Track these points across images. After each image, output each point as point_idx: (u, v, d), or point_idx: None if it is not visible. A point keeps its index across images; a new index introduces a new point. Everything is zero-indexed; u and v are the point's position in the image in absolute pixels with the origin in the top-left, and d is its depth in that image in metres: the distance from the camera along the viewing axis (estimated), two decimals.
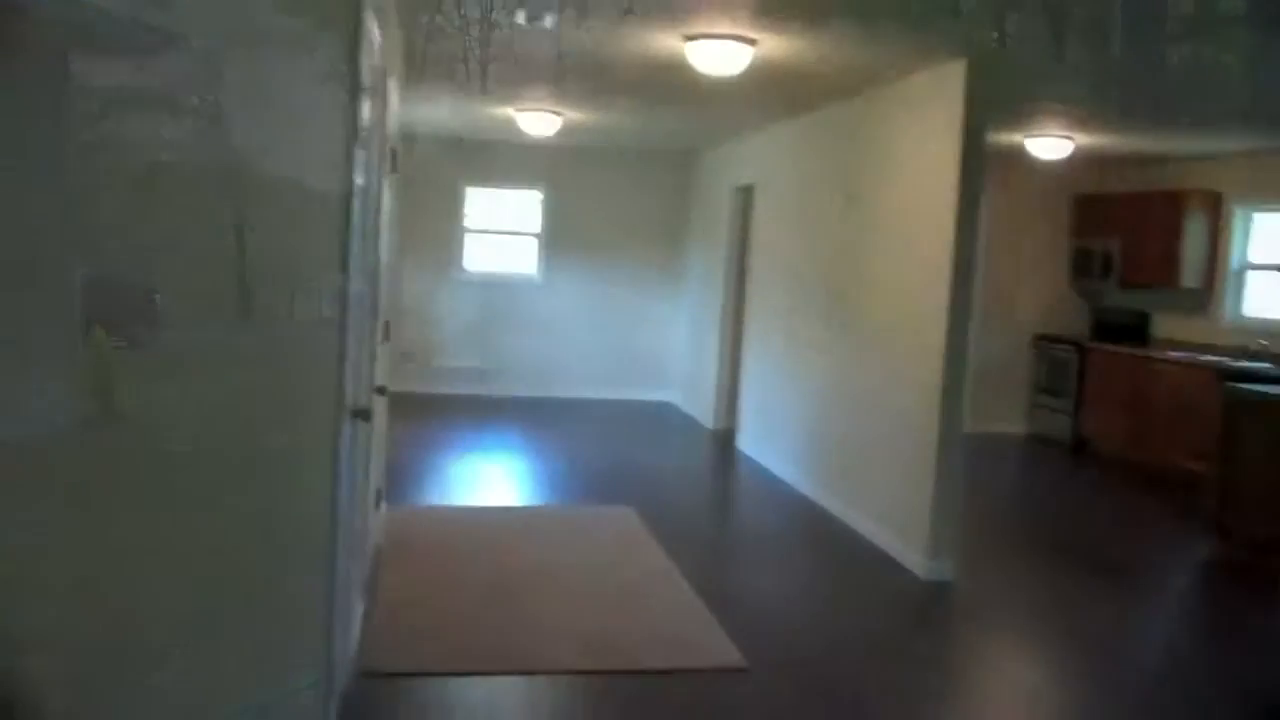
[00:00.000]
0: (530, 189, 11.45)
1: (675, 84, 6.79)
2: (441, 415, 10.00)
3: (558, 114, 8.54)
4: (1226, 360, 8.42)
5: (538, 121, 8.65)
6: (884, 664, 4.54)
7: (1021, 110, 7.19)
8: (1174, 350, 9.16)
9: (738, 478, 8.25)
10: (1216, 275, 9.18)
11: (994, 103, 5.99)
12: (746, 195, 9.73)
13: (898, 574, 5.78)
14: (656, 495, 7.34)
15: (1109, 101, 6.72)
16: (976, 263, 5.77)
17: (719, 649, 4.51)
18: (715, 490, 8.01)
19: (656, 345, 11.79)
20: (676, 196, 11.67)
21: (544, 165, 11.31)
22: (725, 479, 8.28)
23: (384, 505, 5.77)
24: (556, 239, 11.48)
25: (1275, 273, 8.43)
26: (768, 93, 6.98)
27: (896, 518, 6.10)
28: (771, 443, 8.40)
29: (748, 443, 9.02)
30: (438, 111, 8.82)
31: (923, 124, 6.04)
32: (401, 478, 7.31)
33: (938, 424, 5.71)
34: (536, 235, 11.50)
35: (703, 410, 10.49)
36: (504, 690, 4.02)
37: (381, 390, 4.53)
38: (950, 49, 5.42)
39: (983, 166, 5.68)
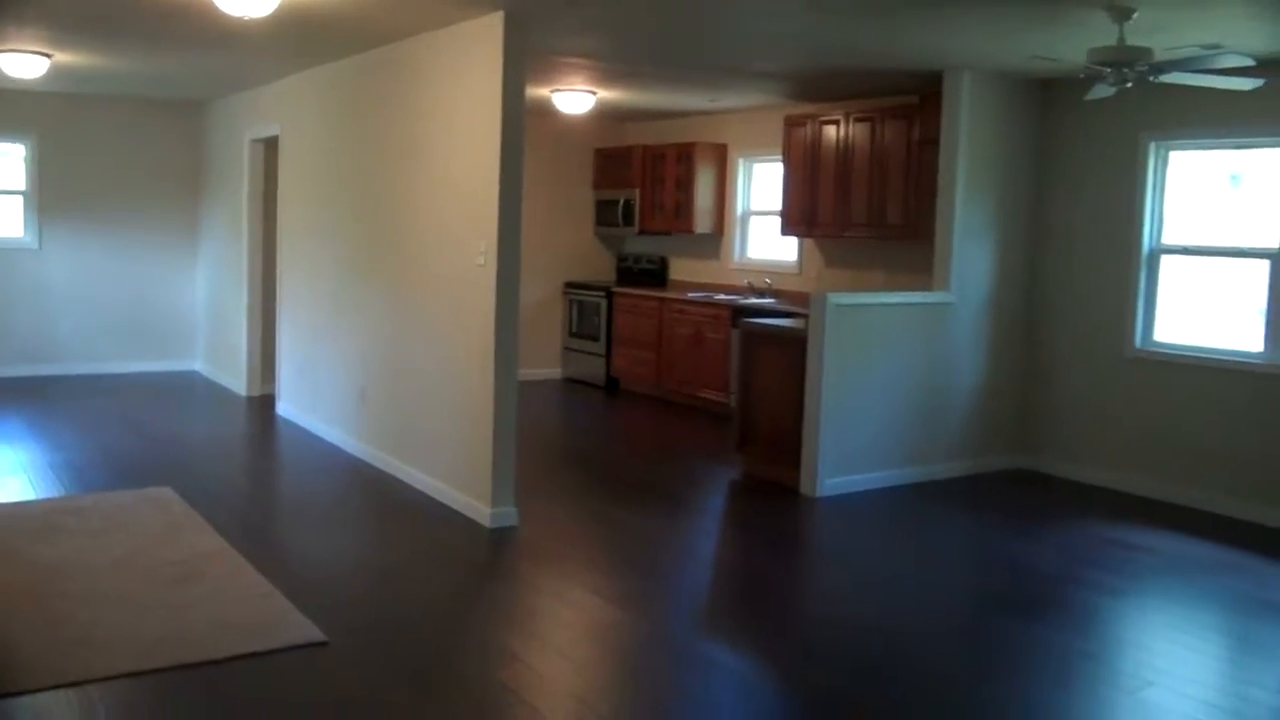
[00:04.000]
0: (12, 141, 10.07)
1: (192, 25, 6.23)
2: None
3: (47, 55, 7.54)
4: (738, 299, 9.26)
5: (21, 64, 7.58)
6: (462, 616, 4.55)
7: (549, 65, 7.37)
8: (691, 292, 9.93)
9: (283, 445, 7.86)
10: (725, 221, 10.05)
11: (529, 56, 6.07)
12: (270, 147, 9.20)
13: (463, 526, 5.80)
14: (196, 472, 6.81)
15: (630, 59, 7.06)
16: (521, 214, 5.86)
17: (294, 625, 4.28)
18: (260, 461, 7.58)
19: (175, 311, 10.91)
20: (188, 149, 10.81)
21: (30, 113, 10.01)
22: (269, 448, 7.86)
23: None
24: (51, 198, 10.21)
25: (773, 218, 9.36)
26: (297, 37, 6.60)
27: (456, 470, 6.10)
28: (316, 407, 8.08)
29: (289, 408, 8.62)
30: None
31: (463, 75, 6.00)
32: None
33: (492, 374, 5.75)
34: (23, 193, 10.16)
35: (234, 377, 9.87)
36: (51, 708, 3.54)
37: None
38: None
39: (524, 118, 5.75)
